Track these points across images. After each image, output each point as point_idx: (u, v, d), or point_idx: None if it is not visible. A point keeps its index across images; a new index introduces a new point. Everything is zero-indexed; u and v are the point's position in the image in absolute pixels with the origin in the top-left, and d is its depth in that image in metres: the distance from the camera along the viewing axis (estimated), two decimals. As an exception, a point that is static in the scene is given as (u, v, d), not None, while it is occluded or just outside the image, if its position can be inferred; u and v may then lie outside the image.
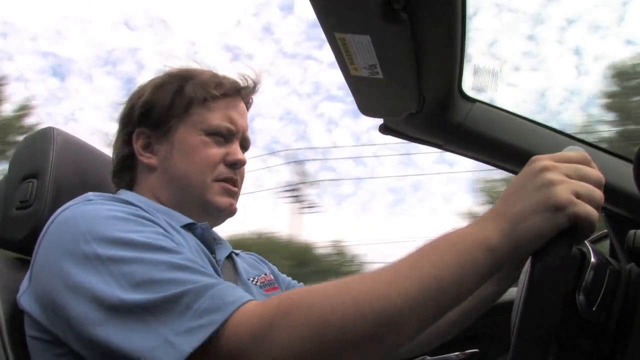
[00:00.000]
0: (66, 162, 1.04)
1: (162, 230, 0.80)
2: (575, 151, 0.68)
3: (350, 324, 0.61)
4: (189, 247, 0.86)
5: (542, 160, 0.66)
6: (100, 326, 0.68)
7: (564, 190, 0.62)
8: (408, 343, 0.65)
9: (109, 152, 1.08)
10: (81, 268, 0.71)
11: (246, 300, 0.67)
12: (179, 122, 0.99)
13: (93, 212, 0.78)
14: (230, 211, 1.01)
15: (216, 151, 0.99)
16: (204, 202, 0.98)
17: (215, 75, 1.03)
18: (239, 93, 1.05)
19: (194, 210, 0.98)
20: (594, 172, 0.66)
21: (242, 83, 1.05)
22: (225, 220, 1.04)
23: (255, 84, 1.07)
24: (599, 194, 0.64)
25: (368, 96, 1.14)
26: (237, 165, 1.01)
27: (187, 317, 0.65)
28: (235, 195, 1.02)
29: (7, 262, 0.98)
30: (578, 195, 0.63)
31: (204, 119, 0.99)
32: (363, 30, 0.90)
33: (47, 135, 1.05)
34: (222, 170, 0.99)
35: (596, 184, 0.65)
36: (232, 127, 1.01)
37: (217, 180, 0.99)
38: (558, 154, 0.68)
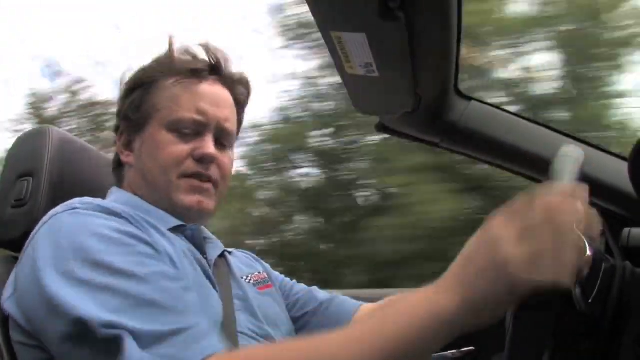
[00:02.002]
0: (62, 160, 1.04)
1: (145, 248, 0.78)
2: (545, 191, 0.60)
3: None
4: (176, 253, 0.84)
5: (498, 223, 0.59)
6: (72, 344, 0.69)
7: (519, 258, 0.55)
8: None
9: (104, 150, 1.08)
10: (61, 285, 0.72)
11: (210, 353, 0.67)
12: (150, 117, 0.95)
13: (77, 227, 0.78)
14: (199, 209, 0.94)
15: (181, 147, 0.93)
16: (171, 202, 0.93)
17: (188, 55, 0.98)
18: (213, 72, 0.99)
19: (166, 209, 0.93)
20: (568, 213, 0.57)
21: (211, 61, 0.99)
22: (199, 219, 0.97)
23: (226, 61, 1.01)
24: (569, 249, 0.56)
25: (364, 94, 1.14)
26: (205, 160, 0.94)
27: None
28: (206, 192, 0.95)
29: (2, 261, 0.98)
30: (540, 258, 0.55)
31: (169, 113, 0.94)
32: (359, 28, 0.90)
33: (42, 133, 1.05)
34: (190, 165, 0.93)
35: (572, 228, 0.57)
36: (200, 119, 0.94)
37: (185, 176, 0.93)
38: (522, 201, 0.59)
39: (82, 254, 0.73)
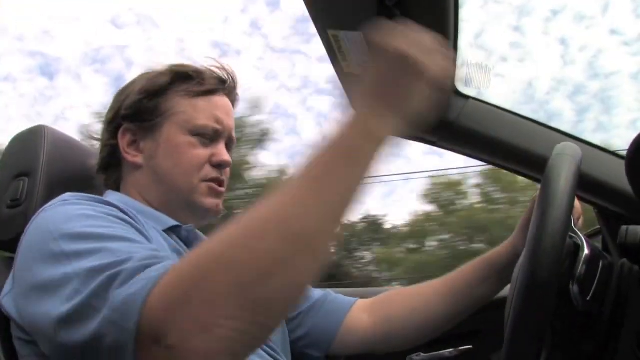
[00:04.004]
0: (57, 160, 1.03)
1: (134, 230, 0.77)
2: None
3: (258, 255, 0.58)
4: (168, 249, 0.86)
5: (395, 43, 0.67)
6: (64, 323, 0.65)
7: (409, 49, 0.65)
8: (325, 261, 0.62)
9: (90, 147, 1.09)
10: (47, 267, 0.71)
11: (164, 272, 0.61)
12: (165, 120, 0.98)
13: (64, 211, 0.78)
14: (216, 212, 1.00)
15: (202, 152, 0.98)
16: (191, 203, 0.97)
17: (199, 71, 1.03)
18: (223, 89, 1.04)
19: (179, 210, 0.97)
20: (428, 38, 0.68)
21: (224, 77, 1.04)
22: (211, 220, 1.02)
23: (235, 79, 1.06)
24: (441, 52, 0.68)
25: (361, 93, 1.13)
26: (222, 166, 1.00)
27: (119, 292, 0.61)
28: (221, 196, 1.01)
29: (-2, 262, 0.98)
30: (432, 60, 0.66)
31: (190, 118, 0.98)
32: (356, 26, 0.90)
33: (38, 133, 1.05)
34: (209, 171, 0.98)
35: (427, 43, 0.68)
36: (218, 127, 1.00)
37: (204, 180, 0.98)
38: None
39: (68, 231, 0.73)
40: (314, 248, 0.60)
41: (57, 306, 0.66)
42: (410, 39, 0.67)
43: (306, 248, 0.59)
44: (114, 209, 0.81)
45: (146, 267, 0.63)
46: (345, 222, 0.63)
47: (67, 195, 0.84)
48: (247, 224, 0.60)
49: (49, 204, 0.82)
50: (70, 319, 0.65)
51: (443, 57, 0.68)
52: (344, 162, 0.62)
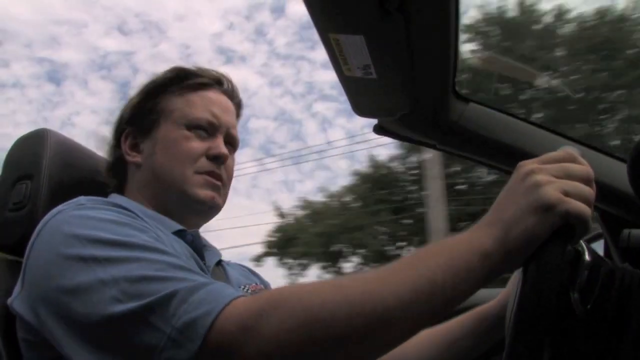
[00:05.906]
0: (60, 163, 1.04)
1: (155, 236, 0.80)
2: (561, 150, 0.68)
3: (340, 318, 0.61)
4: (183, 253, 0.86)
5: (528, 165, 0.67)
6: (100, 328, 0.67)
7: (552, 189, 0.62)
8: (397, 345, 0.65)
9: (101, 153, 1.10)
10: (76, 270, 0.71)
11: (238, 295, 0.67)
12: (162, 119, 1.00)
13: (88, 216, 0.79)
14: (212, 204, 0.99)
15: (198, 144, 0.99)
16: (185, 195, 0.97)
17: (192, 69, 1.06)
18: (217, 85, 1.06)
19: (175, 205, 0.98)
20: (581, 169, 0.66)
21: (217, 75, 1.07)
22: (209, 215, 1.02)
23: (230, 80, 1.09)
24: (588, 190, 0.64)
25: (362, 96, 1.14)
26: (219, 159, 1.00)
27: (183, 310, 0.65)
28: (218, 189, 1.00)
29: (1, 264, 0.98)
30: (567, 194, 0.62)
31: (185, 113, 1.00)
32: (357, 30, 0.90)
33: (40, 136, 1.05)
34: (204, 163, 0.99)
35: (584, 180, 0.65)
36: (213, 120, 1.01)
37: (199, 172, 0.98)
38: (544, 156, 0.68)
39: (98, 236, 0.74)
40: (389, 334, 0.63)
41: (94, 310, 0.68)
42: (556, 167, 0.65)
43: (382, 330, 0.62)
44: (132, 213, 0.83)
45: (200, 288, 0.67)
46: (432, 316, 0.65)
47: (82, 198, 0.85)
48: (338, 292, 0.64)
49: (63, 207, 0.83)
50: (110, 325, 0.67)
51: (590, 193, 0.64)
52: (437, 253, 0.64)
